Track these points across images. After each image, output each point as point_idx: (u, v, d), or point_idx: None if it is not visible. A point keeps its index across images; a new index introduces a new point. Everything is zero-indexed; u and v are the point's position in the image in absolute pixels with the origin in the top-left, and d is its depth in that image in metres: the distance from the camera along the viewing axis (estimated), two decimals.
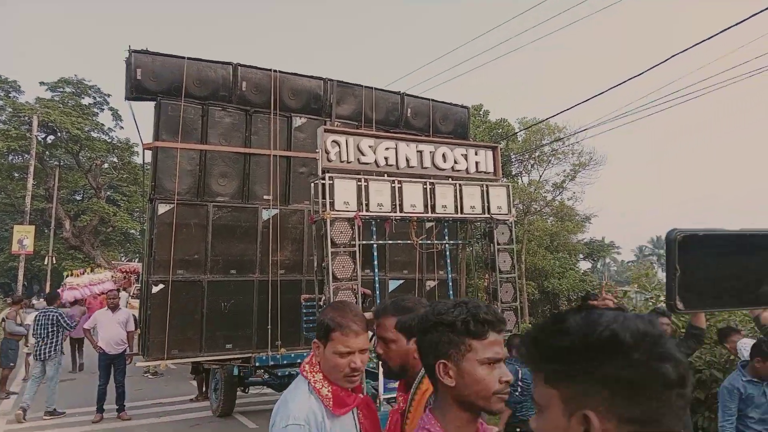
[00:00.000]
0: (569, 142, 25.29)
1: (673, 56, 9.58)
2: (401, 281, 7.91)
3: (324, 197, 4.89)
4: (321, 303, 5.15)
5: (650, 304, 6.38)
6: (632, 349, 0.76)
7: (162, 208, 6.61)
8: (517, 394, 4.72)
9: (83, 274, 18.47)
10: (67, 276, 17.90)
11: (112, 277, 22.73)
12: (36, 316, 8.57)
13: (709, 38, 8.67)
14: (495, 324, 1.47)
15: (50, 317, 7.97)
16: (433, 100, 8.55)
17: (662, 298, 6.62)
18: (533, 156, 26.54)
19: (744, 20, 8.13)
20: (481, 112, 26.10)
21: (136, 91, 6.73)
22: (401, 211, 5.21)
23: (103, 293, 19.17)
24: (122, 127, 32.89)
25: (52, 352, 7.82)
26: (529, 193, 25.87)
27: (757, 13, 7.64)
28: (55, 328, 7.90)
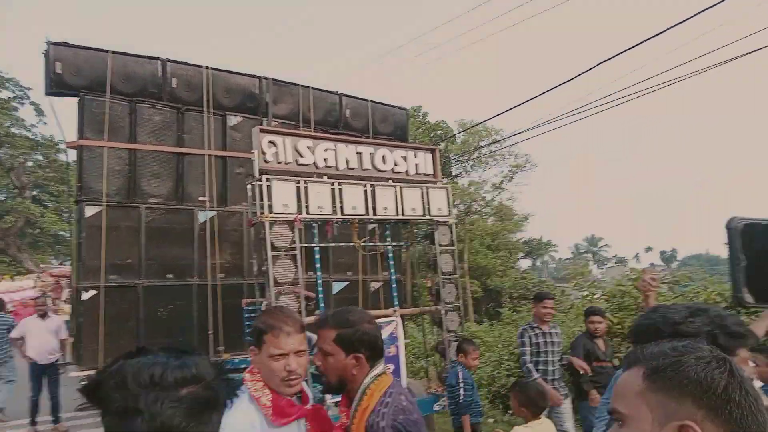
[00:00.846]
0: (505, 144, 25.96)
1: (600, 63, 9.93)
2: (345, 283, 7.81)
3: (262, 199, 4.73)
4: (263, 308, 4.99)
5: (586, 301, 6.57)
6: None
7: (90, 211, 6.22)
8: (463, 394, 4.76)
9: (1, 280, 17.73)
10: None
11: (35, 285, 21.75)
12: None
13: (634, 46, 9.04)
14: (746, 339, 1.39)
15: (6, 324, 8.13)
16: (372, 101, 8.48)
17: (597, 295, 6.84)
18: (472, 157, 27.07)
19: (672, 27, 8.51)
20: (420, 113, 26.35)
21: (56, 86, 6.30)
22: (342, 213, 5.12)
23: (31, 300, 18.38)
24: (45, 123, 31.06)
25: (5, 356, 7.98)
26: (469, 194, 26.39)
27: (686, 19, 7.99)
28: (6, 334, 7.96)
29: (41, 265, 30.10)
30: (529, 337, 5.32)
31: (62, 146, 30.31)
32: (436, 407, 5.67)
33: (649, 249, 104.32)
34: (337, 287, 7.82)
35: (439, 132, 25.61)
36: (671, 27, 8.34)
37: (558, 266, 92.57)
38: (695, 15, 7.85)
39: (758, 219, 0.79)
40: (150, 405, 0.93)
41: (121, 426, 0.94)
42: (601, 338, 5.43)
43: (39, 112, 30.76)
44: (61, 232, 35.27)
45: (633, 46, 8.83)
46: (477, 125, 23.52)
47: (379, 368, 2.00)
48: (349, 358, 1.95)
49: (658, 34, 8.19)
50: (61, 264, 35.65)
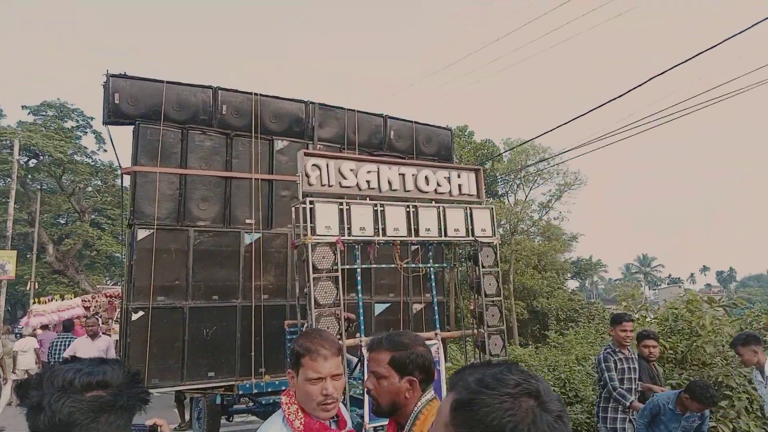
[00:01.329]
0: (554, 162, 25.54)
1: (651, 78, 9.72)
2: (387, 304, 7.80)
3: (305, 221, 4.80)
4: (304, 329, 5.03)
5: (638, 324, 6.32)
6: None
7: (141, 234, 6.47)
8: None
9: (51, 301, 18.79)
10: (34, 303, 18.32)
11: (83, 302, 22.74)
12: (53, 342, 9.44)
13: (686, 60, 8.80)
14: None
15: (67, 343, 8.72)
16: (416, 122, 8.54)
17: (648, 319, 6.58)
18: (518, 176, 26.75)
19: (722, 42, 8.26)
20: (466, 133, 26.31)
21: (114, 116, 6.63)
22: (384, 234, 5.13)
23: (82, 317, 19.30)
24: (105, 150, 32.67)
25: None
26: (515, 213, 26.02)
27: (736, 34, 7.76)
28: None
29: (97, 286, 31.34)
30: (614, 362, 4.93)
31: (119, 172, 31.72)
32: None
33: (705, 269, 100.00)
34: (378, 309, 7.81)
35: (485, 151, 25.45)
36: (723, 41, 8.10)
37: (607, 287, 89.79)
38: (745, 30, 7.62)
39: None
40: (52, 404, 1.12)
41: (31, 419, 1.15)
42: (653, 363, 5.21)
43: (99, 139, 32.35)
44: (117, 254, 36.67)
45: (684, 61, 8.61)
46: (524, 143, 23.28)
47: (430, 394, 2.00)
48: (403, 381, 1.94)
49: (709, 49, 7.97)
50: (114, 284, 37.03)
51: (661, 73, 8.73)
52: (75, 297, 28.39)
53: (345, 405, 3.40)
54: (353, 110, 8.00)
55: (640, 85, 9.70)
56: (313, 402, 1.90)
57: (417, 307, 7.97)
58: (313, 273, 4.70)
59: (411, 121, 8.47)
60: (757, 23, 7.82)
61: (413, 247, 7.02)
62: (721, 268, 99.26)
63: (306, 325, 4.87)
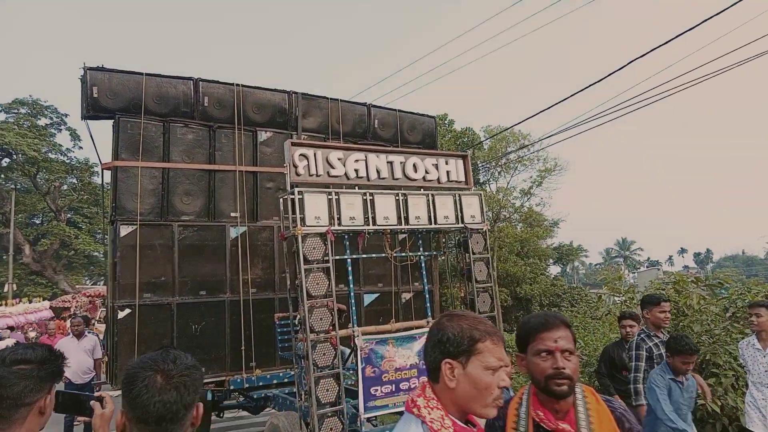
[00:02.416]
0: (534, 148, 25.68)
1: (630, 62, 9.78)
2: (377, 294, 7.78)
3: (294, 213, 4.73)
4: (296, 321, 4.97)
5: (625, 306, 6.40)
6: None
7: (124, 230, 6.34)
8: None
9: (18, 303, 19.18)
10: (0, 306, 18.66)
11: (63, 302, 23.04)
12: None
13: (666, 42, 8.88)
14: None
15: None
16: (400, 110, 8.49)
17: (635, 300, 6.66)
18: (499, 164, 26.85)
19: (701, 22, 8.34)
20: (446, 122, 26.28)
21: (92, 110, 6.46)
22: (374, 224, 5.08)
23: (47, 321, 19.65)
24: (81, 148, 32.05)
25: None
26: (497, 200, 26.12)
27: (714, 16, 7.83)
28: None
29: (76, 286, 30.82)
30: (648, 350, 4.48)
31: (96, 169, 31.13)
32: None
33: (683, 251, 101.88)
34: (368, 299, 7.79)
35: (466, 139, 25.48)
36: (704, 21, 8.18)
37: (588, 271, 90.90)
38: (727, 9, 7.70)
39: None
40: None
41: None
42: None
43: (74, 136, 31.68)
44: (95, 253, 36.09)
45: (663, 44, 8.68)
46: (504, 131, 23.36)
47: None
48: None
49: (690, 29, 8.04)
50: (94, 284, 36.47)
51: (642, 56, 8.80)
52: (53, 298, 28.03)
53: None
54: (336, 99, 7.92)
55: (619, 69, 9.78)
56: (489, 397, 1.55)
57: (406, 296, 7.97)
58: (305, 264, 4.65)
59: (395, 110, 8.42)
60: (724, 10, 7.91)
61: (401, 236, 6.99)
62: (698, 250, 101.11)
63: (298, 317, 4.82)
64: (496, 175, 27.97)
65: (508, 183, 28.03)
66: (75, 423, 7.91)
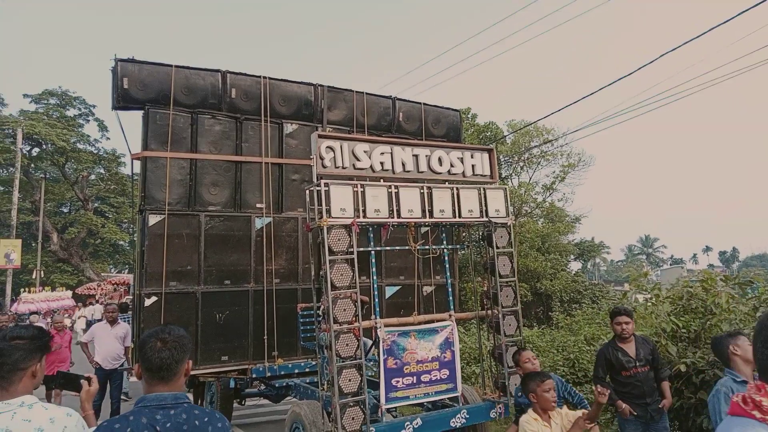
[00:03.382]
0: (558, 143, 25.42)
1: (662, 56, 9.62)
2: (398, 287, 7.82)
3: (320, 204, 4.78)
4: (320, 312, 5.02)
5: (650, 304, 6.33)
6: None
7: (152, 219, 6.46)
8: None
9: (41, 291, 21.07)
10: (23, 292, 19.43)
11: (88, 289, 24.05)
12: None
13: (698, 37, 8.71)
14: None
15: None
16: (424, 103, 8.48)
17: (661, 298, 6.58)
18: (522, 158, 26.64)
19: (732, 18, 8.16)
20: (469, 116, 26.13)
21: (123, 101, 6.59)
22: (399, 216, 5.10)
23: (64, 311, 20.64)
24: (108, 138, 32.73)
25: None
26: (519, 195, 25.93)
27: (746, 10, 7.66)
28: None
29: (101, 274, 31.47)
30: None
31: (123, 159, 31.64)
32: (492, 414, 5.56)
33: (708, 249, 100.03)
34: (390, 291, 7.83)
35: (489, 134, 25.31)
36: (734, 17, 8.00)
37: (610, 268, 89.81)
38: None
39: None
40: None
41: None
42: (630, 341, 4.86)
43: (102, 127, 32.30)
44: (120, 242, 36.77)
45: (690, 40, 8.52)
46: (528, 126, 23.15)
47: None
48: None
49: (720, 24, 7.87)
50: (119, 272, 37.19)
51: (672, 50, 8.65)
52: (78, 285, 28.67)
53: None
54: (362, 92, 7.95)
55: (648, 63, 9.62)
56: None
57: (427, 289, 7.98)
58: (329, 255, 4.69)
59: (419, 103, 8.42)
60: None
61: (423, 229, 7.01)
62: (724, 248, 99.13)
63: (322, 308, 4.87)
64: (518, 170, 27.75)
65: (531, 178, 27.82)
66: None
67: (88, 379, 2.65)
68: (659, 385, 4.92)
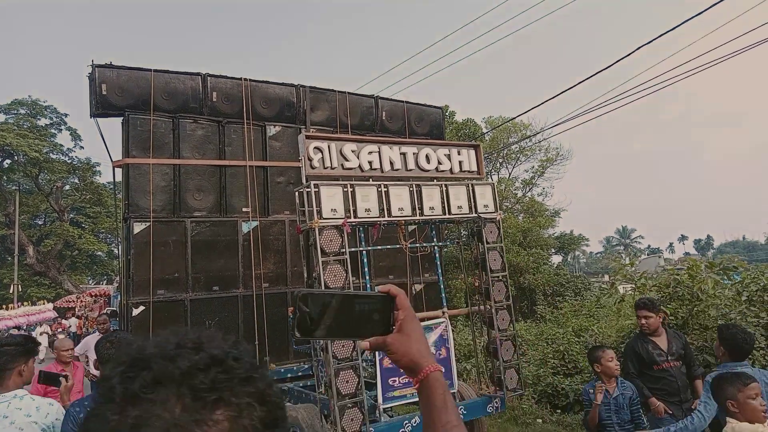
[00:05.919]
0: (536, 139, 25.65)
1: (636, 50, 9.76)
2: None
3: (310, 206, 4.74)
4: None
5: (638, 293, 6.42)
6: None
7: (138, 227, 6.35)
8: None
9: (20, 306, 21.67)
10: (1, 309, 20.31)
11: (67, 302, 24.24)
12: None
13: (671, 30, 8.85)
14: None
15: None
16: (407, 102, 8.48)
17: (648, 286, 6.68)
18: (501, 154, 26.83)
19: (704, 11, 8.32)
20: (447, 113, 26.26)
21: (101, 107, 6.46)
22: (389, 215, 5.09)
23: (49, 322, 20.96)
24: (82, 147, 32.31)
25: None
26: (500, 191, 26.13)
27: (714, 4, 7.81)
28: None
29: (80, 286, 30.88)
30: None
31: (99, 168, 31.08)
32: (489, 409, 5.59)
33: (683, 238, 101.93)
34: None
35: (467, 131, 25.43)
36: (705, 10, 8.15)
37: (589, 260, 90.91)
38: None
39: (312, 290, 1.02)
40: None
41: None
42: (659, 334, 4.67)
43: (75, 136, 31.67)
44: (98, 253, 36.12)
45: (663, 33, 8.66)
46: (506, 122, 23.32)
47: None
48: None
49: (694, 15, 8.01)
50: (97, 284, 36.53)
51: (648, 42, 8.77)
52: (57, 298, 28.14)
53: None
54: (344, 92, 7.91)
55: (623, 58, 9.76)
56: None
57: (416, 287, 7.98)
58: (322, 257, 4.65)
59: (402, 101, 8.42)
60: None
61: (411, 228, 7.00)
62: (699, 237, 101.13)
63: None
64: (497, 167, 27.96)
65: (510, 174, 28.05)
66: None
67: (66, 377, 3.72)
68: (691, 383, 4.65)
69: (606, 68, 9.22)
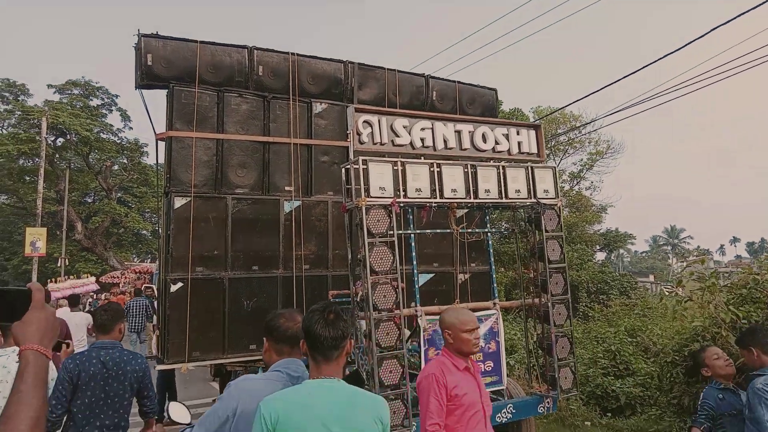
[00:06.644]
0: (586, 130, 24.71)
1: (689, 43, 9.06)
2: (431, 275, 7.45)
3: (357, 183, 4.43)
4: (358, 299, 4.68)
5: (708, 293, 5.87)
6: None
7: (178, 202, 6.18)
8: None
9: (67, 279, 22.15)
10: (50, 282, 20.61)
11: (112, 278, 25.29)
12: (129, 304, 12.25)
13: (728, 22, 8.17)
14: None
15: (141, 304, 12.09)
16: (459, 82, 8.07)
17: (719, 287, 6.12)
18: (549, 146, 25.98)
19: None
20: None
21: (146, 78, 6.30)
22: (441, 196, 4.73)
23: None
24: (131, 128, 33.14)
25: (141, 326, 12.10)
26: None
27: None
28: (144, 312, 12.13)
29: (125, 263, 31.66)
30: None
31: (146, 149, 31.69)
32: (540, 409, 5.20)
33: (735, 240, 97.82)
34: (422, 279, 7.46)
35: (514, 121, 24.71)
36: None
37: (634, 259, 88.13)
38: None
39: None
40: None
41: None
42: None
43: (125, 117, 32.37)
44: (143, 232, 36.99)
45: (714, 28, 7.99)
46: (554, 112, 22.51)
47: None
48: None
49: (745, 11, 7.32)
50: (142, 261, 37.46)
51: (700, 37, 8.12)
52: (102, 274, 28.98)
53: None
54: (393, 70, 7.57)
55: (677, 50, 9.12)
56: None
57: (462, 277, 7.60)
58: (368, 238, 4.34)
59: (454, 81, 8.01)
60: None
61: (459, 213, 6.62)
62: (752, 239, 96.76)
63: (360, 294, 4.53)
64: (546, 158, 27.19)
65: (558, 166, 27.17)
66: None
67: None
68: None
69: (654, 62, 8.59)
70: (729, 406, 3.51)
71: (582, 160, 26.62)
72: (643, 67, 10.16)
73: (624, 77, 10.67)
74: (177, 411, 2.94)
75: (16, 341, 1.33)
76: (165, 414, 3.33)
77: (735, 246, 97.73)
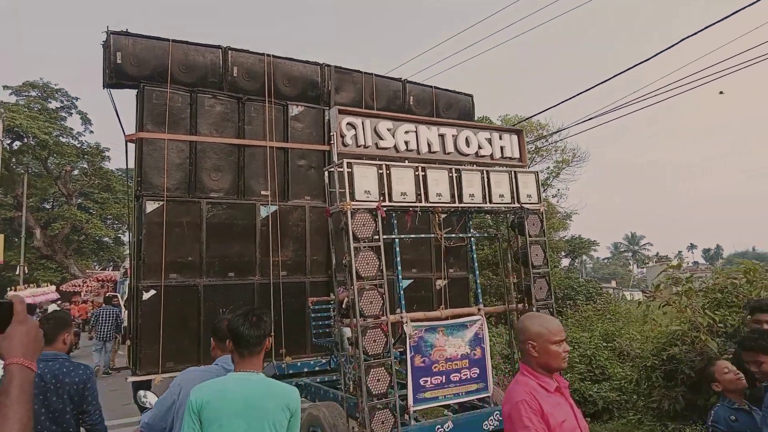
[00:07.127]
0: (552, 139, 25.07)
1: (657, 54, 9.29)
2: (410, 281, 7.35)
3: (342, 186, 4.31)
4: (343, 306, 4.55)
5: (685, 298, 5.94)
6: None
7: (150, 206, 5.93)
8: None
9: (27, 288, 21.78)
10: (9, 291, 20.01)
11: (74, 286, 24.63)
12: (99, 312, 12.46)
13: (695, 33, 8.40)
14: None
15: (110, 313, 12.23)
16: (436, 87, 8.04)
17: (692, 290, 6.21)
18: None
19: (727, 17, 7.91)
20: None
21: (115, 77, 6.04)
22: (426, 200, 4.65)
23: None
24: (92, 132, 31.91)
25: (110, 336, 12.32)
26: None
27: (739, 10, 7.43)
28: (113, 321, 12.35)
29: (86, 271, 30.64)
30: None
31: (108, 153, 30.80)
32: None
33: (692, 246, 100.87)
34: (402, 284, 7.37)
35: None
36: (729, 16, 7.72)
37: (596, 266, 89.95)
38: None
39: None
40: None
41: None
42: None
43: (85, 120, 31.37)
44: (105, 239, 35.89)
45: (683, 39, 8.21)
46: (522, 121, 22.77)
47: None
48: None
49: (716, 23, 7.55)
50: (103, 269, 36.34)
51: (670, 47, 8.35)
52: (63, 282, 27.99)
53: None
54: (371, 74, 7.48)
55: (645, 61, 9.35)
56: None
57: (440, 282, 7.54)
58: (353, 242, 4.23)
59: (431, 86, 7.98)
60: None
61: (441, 217, 6.57)
62: (708, 246, 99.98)
63: (346, 300, 4.40)
64: None
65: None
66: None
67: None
68: None
69: (625, 71, 8.78)
70: (743, 427, 3.15)
71: (549, 168, 26.98)
72: (609, 79, 10.38)
73: (588, 89, 10.93)
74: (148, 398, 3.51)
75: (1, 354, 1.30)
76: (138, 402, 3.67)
77: (692, 252, 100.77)
